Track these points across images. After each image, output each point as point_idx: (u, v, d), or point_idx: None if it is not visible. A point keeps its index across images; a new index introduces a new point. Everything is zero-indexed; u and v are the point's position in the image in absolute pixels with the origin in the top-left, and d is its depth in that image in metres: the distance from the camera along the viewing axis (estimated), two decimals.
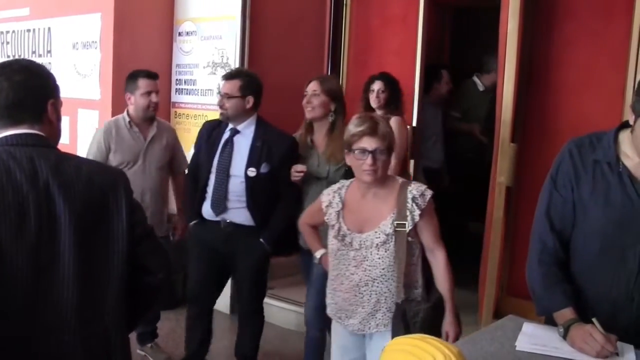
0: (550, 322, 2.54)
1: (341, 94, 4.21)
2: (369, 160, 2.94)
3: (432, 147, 6.11)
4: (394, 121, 4.67)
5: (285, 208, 4.08)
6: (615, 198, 2.38)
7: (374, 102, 5.07)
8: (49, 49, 6.31)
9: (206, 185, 4.12)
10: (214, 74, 5.56)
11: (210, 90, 5.60)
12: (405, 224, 2.97)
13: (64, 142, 6.02)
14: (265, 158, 4.03)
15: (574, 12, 4.64)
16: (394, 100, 5.11)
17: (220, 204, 4.06)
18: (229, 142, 4.11)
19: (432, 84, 5.98)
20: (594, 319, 2.32)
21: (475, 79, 6.32)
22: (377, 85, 5.09)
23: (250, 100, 4.11)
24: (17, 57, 6.73)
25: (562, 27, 4.67)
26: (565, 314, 2.41)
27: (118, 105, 5.59)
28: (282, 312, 5.41)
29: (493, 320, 4.46)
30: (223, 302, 5.57)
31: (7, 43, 6.89)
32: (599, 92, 4.53)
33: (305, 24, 6.16)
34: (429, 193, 3.03)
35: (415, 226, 3.00)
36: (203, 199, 4.15)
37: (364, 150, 2.95)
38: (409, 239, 3.00)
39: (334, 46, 6.25)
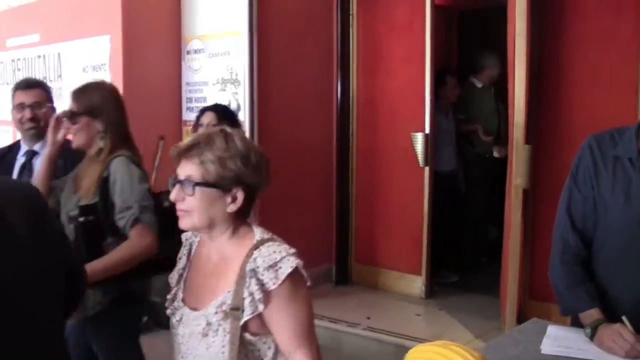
0: (576, 324, 2.51)
1: None
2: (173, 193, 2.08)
3: (444, 153, 6.09)
4: None
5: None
6: (636, 194, 2.34)
7: None
8: (59, 74, 6.33)
9: None
10: (224, 90, 5.56)
11: None
12: (239, 311, 1.98)
13: None
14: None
15: (583, 10, 4.60)
16: None
17: None
18: (27, 166, 3.50)
19: (438, 91, 5.96)
20: (623, 317, 2.28)
21: (472, 79, 6.37)
22: (207, 118, 3.91)
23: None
24: None
25: (571, 25, 4.64)
26: (592, 314, 2.37)
27: (130, 126, 5.59)
28: None
29: (516, 325, 4.42)
30: None
31: (19, 70, 6.93)
32: (611, 90, 4.49)
33: (312, 35, 6.15)
34: (287, 265, 1.98)
35: (260, 317, 2.01)
36: None
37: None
38: (247, 335, 2.01)
39: (343, 56, 6.23)
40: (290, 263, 1.98)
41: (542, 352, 2.31)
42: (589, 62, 4.59)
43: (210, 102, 5.67)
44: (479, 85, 6.36)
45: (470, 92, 6.37)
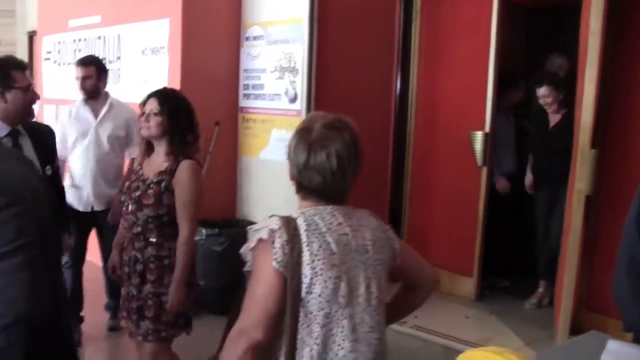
0: (638, 340, 2.35)
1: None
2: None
3: (502, 154, 5.91)
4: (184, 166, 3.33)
5: None
6: None
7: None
8: (118, 56, 6.36)
9: None
10: (282, 78, 5.49)
11: (279, 95, 5.53)
12: None
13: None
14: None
15: None
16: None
17: None
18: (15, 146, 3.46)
19: (508, 90, 5.79)
20: None
21: None
22: (149, 106, 3.38)
23: None
24: None
25: None
26: None
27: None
28: None
29: (569, 336, 4.27)
30: None
31: (79, 50, 6.99)
32: None
33: (374, 28, 6.04)
34: None
35: None
36: None
37: None
38: None
39: (404, 51, 6.12)
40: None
41: None
42: None
43: (267, 90, 5.62)
44: None
45: (535, 95, 6.15)
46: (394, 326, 4.96)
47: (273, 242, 1.98)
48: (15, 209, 1.64)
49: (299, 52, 5.35)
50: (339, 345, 2.04)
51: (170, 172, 3.26)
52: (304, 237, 2.01)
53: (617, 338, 2.46)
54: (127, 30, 6.26)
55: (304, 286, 1.99)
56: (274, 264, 1.97)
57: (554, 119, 5.47)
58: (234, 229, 5.54)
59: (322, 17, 5.36)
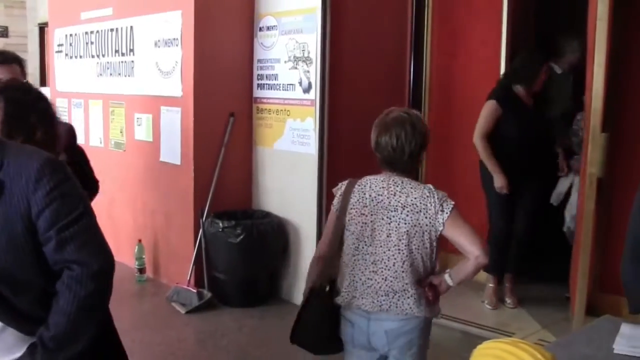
0: None
1: None
2: None
3: None
4: None
5: None
6: None
7: None
8: (131, 48, 6.40)
9: None
10: (296, 68, 5.52)
11: (293, 85, 5.56)
12: None
13: (148, 140, 6.18)
14: None
15: None
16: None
17: None
18: None
19: None
20: None
21: (552, 64, 6.08)
22: None
23: None
24: (101, 56, 6.87)
25: None
26: None
27: (200, 102, 5.64)
28: None
29: (586, 316, 4.32)
30: None
31: (92, 43, 7.03)
32: None
33: (386, 15, 6.05)
34: None
35: None
36: None
37: None
38: None
39: (417, 37, 6.14)
40: None
41: (615, 351, 2.22)
42: None
43: (281, 80, 5.66)
44: (559, 71, 6.11)
45: (551, 77, 6.14)
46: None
47: (336, 192, 2.99)
48: (72, 182, 1.99)
49: (313, 41, 5.37)
50: (362, 272, 2.85)
51: None
52: (354, 191, 2.89)
53: (630, 320, 2.53)
54: (140, 22, 6.28)
55: (346, 224, 2.88)
56: (333, 207, 2.98)
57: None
58: (250, 220, 5.59)
59: (335, 6, 5.37)
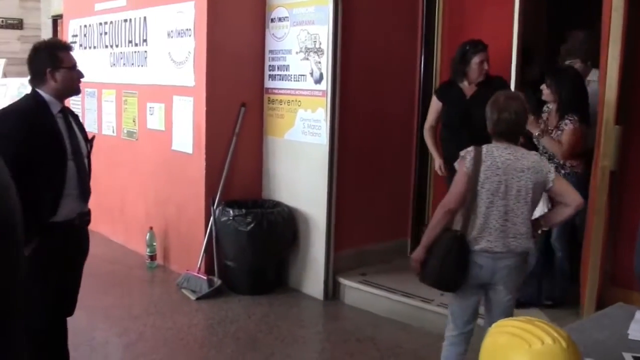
0: None
1: None
2: None
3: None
4: None
5: None
6: None
7: None
8: (144, 38, 6.42)
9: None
10: (307, 59, 5.53)
11: (304, 75, 5.57)
12: None
13: (160, 129, 6.20)
14: None
15: None
16: None
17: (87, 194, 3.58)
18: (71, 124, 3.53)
19: (523, 67, 5.76)
20: None
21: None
22: None
23: None
24: (114, 47, 6.90)
25: None
26: None
27: (212, 92, 5.65)
28: (374, 298, 5.34)
29: (596, 312, 4.29)
30: (317, 289, 5.57)
31: (106, 34, 7.06)
32: None
33: (397, 8, 6.06)
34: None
35: None
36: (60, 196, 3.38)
37: None
38: None
39: (428, 28, 6.16)
40: None
41: (630, 337, 2.21)
42: None
43: (293, 71, 5.67)
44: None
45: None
46: (421, 304, 5.06)
47: (465, 158, 3.44)
48: None
49: (324, 33, 5.38)
50: (496, 220, 3.41)
51: None
52: (483, 157, 3.40)
53: None
54: (153, 12, 6.30)
55: (480, 182, 3.38)
56: (464, 168, 3.43)
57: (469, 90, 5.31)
58: (260, 209, 5.61)
59: None
